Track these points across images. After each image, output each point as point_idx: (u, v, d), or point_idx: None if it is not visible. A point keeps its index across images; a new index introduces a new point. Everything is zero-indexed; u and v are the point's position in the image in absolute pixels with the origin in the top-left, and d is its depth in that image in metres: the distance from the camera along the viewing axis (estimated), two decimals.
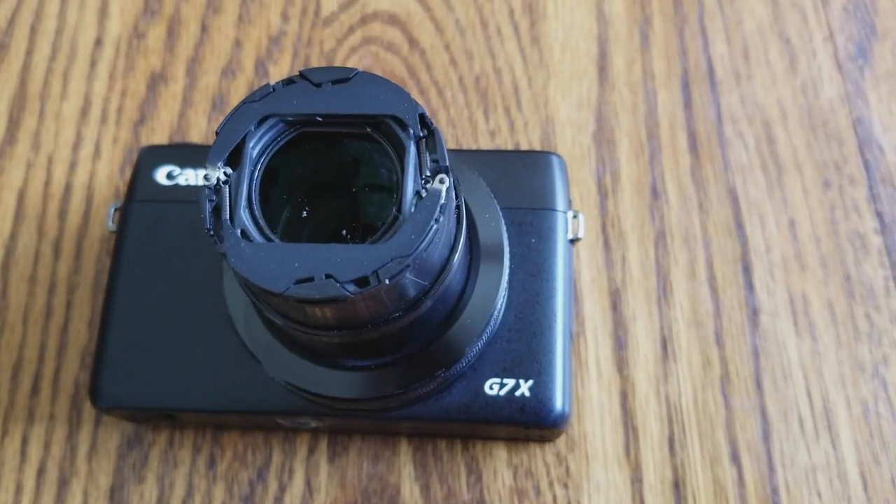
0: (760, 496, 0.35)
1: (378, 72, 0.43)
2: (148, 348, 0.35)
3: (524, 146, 0.41)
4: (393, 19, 0.45)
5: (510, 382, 0.33)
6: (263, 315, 0.30)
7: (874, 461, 0.35)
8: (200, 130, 0.43)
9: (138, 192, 0.37)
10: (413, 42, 0.44)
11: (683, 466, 0.36)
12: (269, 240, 0.25)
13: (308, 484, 0.36)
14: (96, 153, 0.43)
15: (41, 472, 0.37)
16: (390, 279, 0.24)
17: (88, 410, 0.38)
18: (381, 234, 0.25)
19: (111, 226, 0.37)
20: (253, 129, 0.26)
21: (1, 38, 0.45)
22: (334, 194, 0.29)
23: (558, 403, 0.32)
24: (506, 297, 0.33)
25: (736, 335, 0.37)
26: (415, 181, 0.25)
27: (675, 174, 0.41)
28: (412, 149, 0.25)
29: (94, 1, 0.46)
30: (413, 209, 0.25)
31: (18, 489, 0.37)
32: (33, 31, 0.46)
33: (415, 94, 0.43)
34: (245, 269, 0.25)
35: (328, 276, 0.24)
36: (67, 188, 0.42)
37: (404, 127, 0.26)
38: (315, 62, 0.44)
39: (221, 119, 0.43)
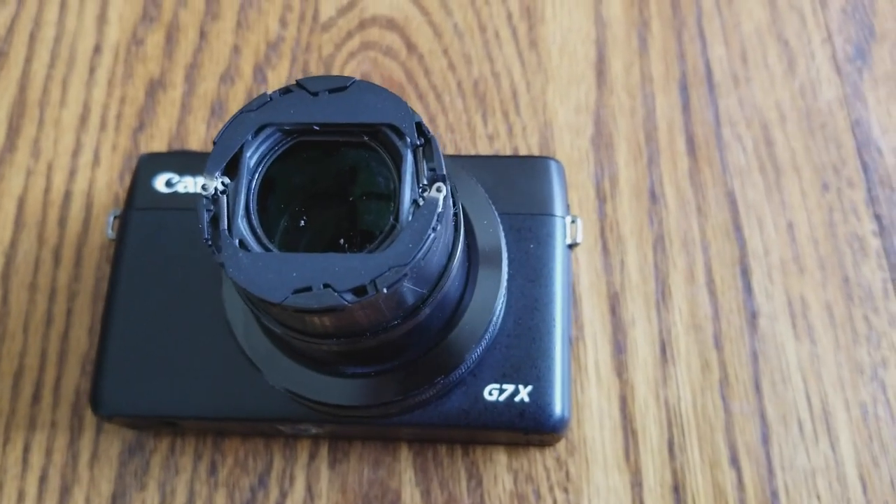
0: (760, 499, 0.35)
1: (376, 77, 0.43)
2: (148, 356, 0.35)
3: (523, 150, 0.41)
4: (391, 24, 0.45)
5: (509, 388, 0.33)
6: (262, 323, 0.30)
7: (873, 464, 0.35)
8: (199, 137, 0.43)
9: (137, 200, 0.37)
10: (411, 47, 0.44)
11: (683, 470, 0.36)
12: (266, 249, 0.25)
13: (309, 490, 0.36)
14: (95, 160, 0.43)
15: (43, 479, 0.37)
16: (388, 288, 0.24)
17: (90, 417, 0.38)
18: (378, 243, 0.25)
19: (111, 234, 0.37)
20: (250, 138, 0.26)
21: (0, 46, 0.46)
22: (332, 203, 0.29)
23: (558, 408, 0.32)
24: (504, 303, 0.33)
25: (735, 338, 0.37)
26: (412, 190, 0.25)
27: (673, 178, 0.41)
28: (409, 157, 0.25)
29: (92, 8, 0.46)
30: (410, 218, 0.25)
31: (21, 496, 0.37)
32: (32, 38, 0.46)
33: (413, 99, 0.43)
34: (243, 279, 0.25)
35: (326, 286, 0.24)
36: (67, 195, 0.42)
37: (401, 135, 0.26)
38: (314, 67, 0.44)
39: (220, 125, 0.43)
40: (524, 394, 0.32)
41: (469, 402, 0.33)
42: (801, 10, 0.44)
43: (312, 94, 0.26)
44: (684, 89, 0.42)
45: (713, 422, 0.36)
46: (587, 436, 0.36)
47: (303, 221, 0.29)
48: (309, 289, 0.24)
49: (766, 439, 0.36)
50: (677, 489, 0.35)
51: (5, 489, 0.37)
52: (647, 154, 0.41)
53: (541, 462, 0.36)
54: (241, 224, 0.25)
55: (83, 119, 0.44)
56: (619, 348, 0.38)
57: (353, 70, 0.44)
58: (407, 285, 0.26)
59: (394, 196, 0.26)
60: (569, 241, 0.35)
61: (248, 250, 0.25)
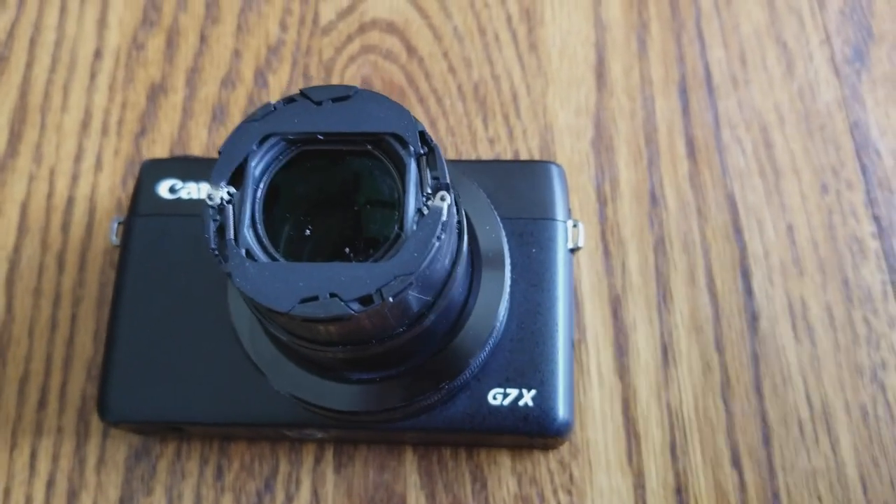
0: (761, 500, 0.35)
1: (377, 80, 0.44)
2: (154, 362, 0.35)
3: (523, 154, 0.42)
4: (391, 27, 0.45)
5: (513, 392, 0.33)
6: (268, 329, 0.30)
7: (873, 464, 0.36)
8: (201, 141, 0.43)
9: (141, 207, 0.37)
10: (411, 50, 0.44)
11: (685, 472, 0.36)
12: (273, 259, 0.26)
13: (315, 494, 0.37)
14: (98, 165, 0.43)
15: (50, 484, 0.37)
16: (394, 297, 0.24)
17: (96, 423, 0.38)
18: (383, 252, 0.25)
19: (114, 240, 0.37)
20: (255, 148, 0.26)
21: (0, 51, 0.46)
22: (336, 210, 0.30)
23: (561, 412, 0.33)
24: (508, 308, 0.33)
25: (735, 340, 0.38)
26: (416, 199, 0.25)
27: (673, 180, 0.41)
28: (412, 166, 0.26)
29: (92, 12, 0.46)
30: (415, 227, 0.25)
31: (28, 501, 0.37)
32: (32, 43, 0.46)
33: (414, 103, 0.43)
34: (250, 289, 0.25)
35: (332, 295, 0.24)
36: (70, 200, 0.42)
37: (405, 144, 0.26)
38: (314, 71, 0.44)
39: (222, 130, 0.43)
40: (528, 398, 0.33)
41: (473, 407, 0.33)
42: (799, 11, 0.44)
43: (316, 103, 0.27)
44: (684, 92, 0.42)
45: (715, 423, 0.36)
46: (590, 438, 0.37)
47: (308, 230, 0.29)
48: (315, 298, 0.24)
49: (767, 441, 0.36)
50: (680, 491, 0.36)
51: (13, 494, 0.37)
52: (647, 157, 0.41)
53: (544, 465, 0.36)
54: (248, 233, 0.26)
55: (85, 124, 0.44)
56: (621, 351, 0.38)
57: (353, 73, 0.44)
58: (412, 293, 0.26)
59: (398, 205, 0.26)
60: (571, 245, 0.35)
61: (255, 260, 0.25)
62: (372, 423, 0.33)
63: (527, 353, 0.33)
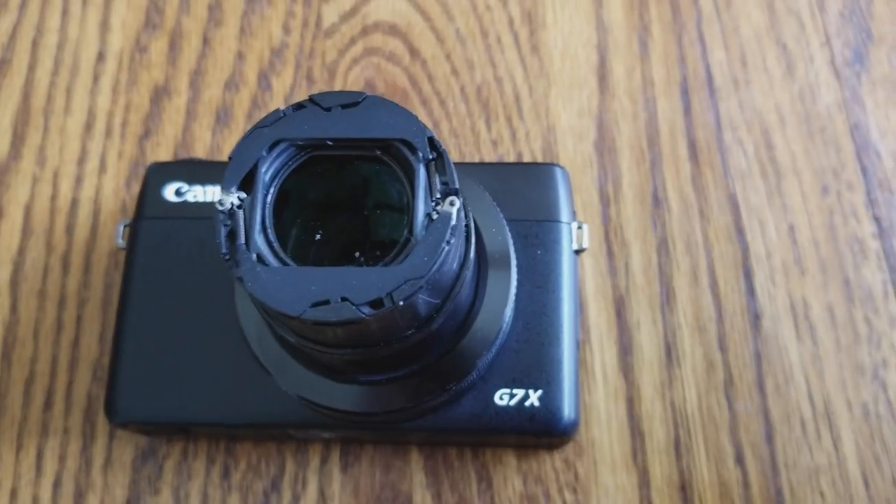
0: (765, 497, 0.36)
1: (380, 82, 0.44)
2: (161, 363, 0.35)
3: (526, 155, 0.42)
4: (394, 30, 0.45)
5: (519, 392, 0.33)
6: (275, 330, 0.31)
7: (875, 462, 0.36)
8: (205, 144, 0.43)
9: (147, 210, 0.37)
10: (414, 52, 0.45)
11: (689, 469, 0.36)
12: (283, 263, 0.26)
13: (321, 493, 0.37)
14: (102, 167, 0.43)
15: (57, 485, 0.38)
16: (404, 300, 0.25)
17: (102, 423, 0.38)
18: (393, 257, 0.25)
19: (121, 243, 0.37)
20: (265, 153, 0.27)
21: (2, 54, 0.46)
22: (345, 215, 0.30)
23: (567, 412, 0.33)
24: (513, 309, 0.33)
25: (738, 340, 0.38)
26: (425, 203, 0.26)
27: (675, 181, 0.41)
28: (422, 172, 0.26)
29: (95, 15, 0.46)
30: (424, 232, 0.25)
31: (35, 502, 0.37)
32: (35, 45, 0.46)
33: (416, 105, 0.43)
34: (261, 293, 0.25)
35: (343, 299, 0.25)
36: (74, 203, 0.42)
37: (413, 150, 0.26)
38: (317, 73, 0.44)
39: (226, 132, 0.43)
40: (534, 398, 0.33)
41: (480, 407, 0.33)
42: (799, 14, 0.44)
43: (325, 109, 0.27)
44: (685, 93, 0.43)
45: (718, 422, 0.37)
46: (595, 437, 0.37)
47: (318, 235, 0.29)
48: (327, 302, 0.25)
49: (770, 438, 0.37)
50: (684, 488, 0.36)
51: (20, 495, 0.38)
52: (649, 158, 0.42)
53: (549, 464, 0.37)
54: (258, 238, 0.26)
55: (88, 126, 0.44)
56: (625, 351, 0.38)
57: (356, 76, 0.44)
58: (422, 297, 0.26)
59: (407, 210, 0.26)
60: (575, 247, 0.35)
61: (266, 264, 0.26)
62: (379, 424, 0.34)
63: (533, 354, 0.33)
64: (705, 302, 0.39)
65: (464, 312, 0.31)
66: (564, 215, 0.35)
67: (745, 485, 0.36)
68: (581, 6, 0.45)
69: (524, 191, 0.35)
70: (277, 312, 0.25)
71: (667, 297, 0.39)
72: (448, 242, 0.25)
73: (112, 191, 0.42)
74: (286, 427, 0.35)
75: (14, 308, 0.41)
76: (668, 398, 0.37)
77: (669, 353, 0.38)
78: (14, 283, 0.41)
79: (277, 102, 0.44)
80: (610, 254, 0.40)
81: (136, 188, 0.42)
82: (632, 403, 0.37)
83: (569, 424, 0.33)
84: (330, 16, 0.46)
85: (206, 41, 0.45)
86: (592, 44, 0.44)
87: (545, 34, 0.45)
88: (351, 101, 0.27)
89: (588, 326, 0.39)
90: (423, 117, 0.42)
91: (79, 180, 0.43)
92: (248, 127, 0.43)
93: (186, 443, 0.38)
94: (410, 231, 0.25)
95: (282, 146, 0.27)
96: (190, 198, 0.37)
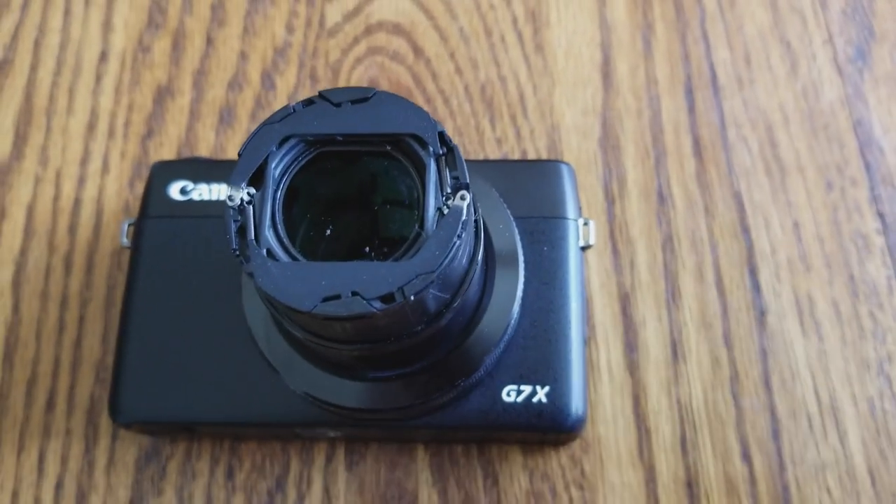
0: (772, 493, 0.36)
1: (384, 81, 0.44)
2: (166, 363, 0.35)
3: (531, 154, 0.42)
4: (397, 29, 0.45)
5: (527, 389, 0.33)
6: (283, 327, 0.31)
7: (881, 457, 0.36)
8: (209, 144, 0.43)
9: (151, 208, 0.37)
10: (418, 51, 0.45)
11: (696, 466, 0.36)
12: (293, 258, 0.26)
13: (327, 492, 0.37)
14: (104, 168, 0.43)
15: (59, 486, 0.37)
16: (415, 295, 0.25)
17: (105, 424, 0.38)
18: (404, 251, 0.25)
19: (125, 241, 0.37)
20: (274, 149, 0.27)
21: (5, 54, 0.45)
22: (354, 210, 0.30)
23: (575, 408, 0.33)
24: (520, 306, 0.33)
25: (744, 336, 0.38)
26: (436, 198, 0.26)
27: (680, 179, 0.41)
28: (432, 166, 0.26)
29: (97, 15, 0.46)
30: (435, 226, 0.25)
31: None
32: (37, 45, 0.46)
33: (421, 103, 0.43)
34: (272, 289, 0.25)
35: (354, 294, 0.25)
36: (77, 203, 0.42)
37: (424, 145, 0.26)
38: (321, 73, 0.44)
39: (230, 132, 0.43)
40: (542, 394, 0.33)
41: (487, 404, 0.33)
42: (801, 12, 0.44)
43: (335, 105, 0.27)
44: (689, 91, 0.43)
45: (724, 418, 0.37)
46: (601, 434, 0.37)
47: (329, 230, 0.29)
48: (338, 297, 0.25)
49: (776, 434, 0.37)
50: (691, 485, 0.36)
51: (21, 497, 0.37)
52: (654, 156, 0.42)
53: (556, 460, 0.37)
54: (268, 234, 0.26)
55: (91, 126, 0.44)
56: (631, 348, 0.38)
57: (360, 75, 0.44)
58: (432, 292, 0.26)
59: (417, 204, 0.26)
60: (582, 244, 0.35)
61: (276, 259, 0.26)
62: (386, 421, 0.34)
63: (540, 350, 0.33)
64: (711, 298, 0.39)
65: (472, 309, 0.31)
66: (571, 212, 0.35)
67: (752, 481, 0.36)
68: (585, 5, 0.45)
69: (530, 188, 0.35)
70: (287, 307, 0.25)
71: (672, 294, 0.39)
72: (459, 237, 0.25)
73: (115, 191, 0.42)
74: (293, 426, 0.35)
75: (16, 309, 0.40)
76: (675, 395, 0.37)
77: (675, 349, 0.38)
78: (16, 284, 0.41)
79: (281, 102, 0.44)
80: (615, 251, 0.40)
81: (139, 188, 0.42)
82: (638, 400, 0.37)
83: (577, 421, 0.33)
84: (333, 15, 0.46)
85: (209, 41, 0.45)
86: (596, 42, 0.44)
87: (549, 33, 0.45)
88: (360, 97, 0.27)
89: (594, 324, 0.39)
90: None
91: (81, 180, 0.43)
92: (252, 127, 0.43)
93: (190, 443, 0.38)
94: (421, 226, 0.25)
95: (292, 142, 0.27)
96: (195, 196, 0.37)
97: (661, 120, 0.42)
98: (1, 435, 0.38)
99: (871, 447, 0.36)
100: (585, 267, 0.39)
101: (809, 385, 0.37)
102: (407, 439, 0.37)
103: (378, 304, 0.25)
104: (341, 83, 0.44)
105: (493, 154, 0.42)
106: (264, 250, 0.26)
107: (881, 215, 0.40)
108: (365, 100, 0.27)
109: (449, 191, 0.26)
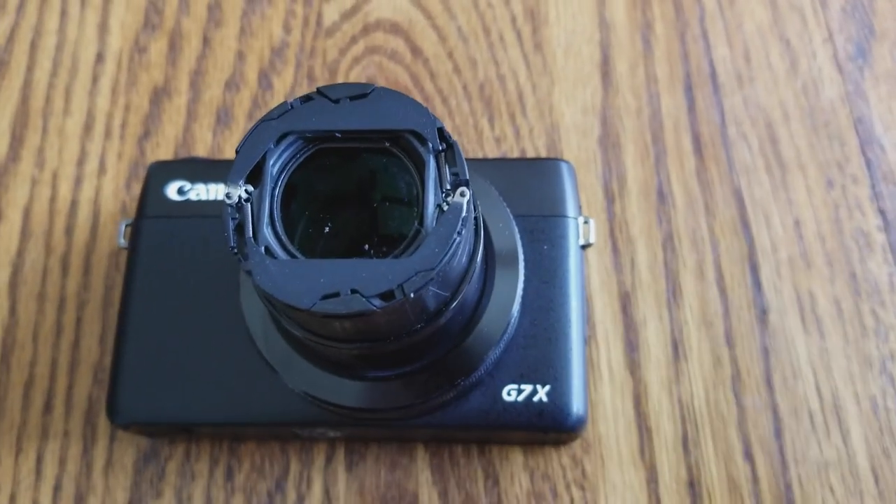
0: (774, 492, 0.36)
1: (382, 81, 0.44)
2: (164, 363, 0.35)
3: (530, 152, 0.42)
4: (395, 28, 0.45)
5: (528, 388, 0.33)
6: (282, 326, 0.30)
7: (884, 455, 0.36)
8: (206, 144, 0.43)
9: (149, 209, 0.37)
10: (416, 50, 0.44)
11: (698, 465, 0.36)
12: (292, 256, 0.26)
13: (326, 493, 0.37)
14: (101, 168, 0.43)
15: (57, 488, 0.37)
16: (415, 293, 0.24)
17: (103, 426, 0.38)
18: (403, 248, 0.25)
19: (122, 242, 0.37)
20: (273, 146, 0.26)
21: (0, 55, 0.45)
22: (353, 207, 0.30)
23: (576, 407, 0.33)
24: (520, 304, 0.33)
25: (745, 334, 0.38)
26: (435, 195, 0.25)
27: (680, 177, 0.41)
28: (432, 163, 0.26)
29: (93, 16, 0.46)
30: (435, 223, 0.25)
31: None
32: (33, 47, 0.46)
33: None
34: (271, 287, 0.25)
35: (354, 291, 0.24)
36: (73, 204, 0.42)
37: (423, 141, 0.26)
38: (318, 73, 0.44)
39: (227, 132, 0.43)
40: (542, 394, 0.33)
41: (488, 403, 0.33)
42: (801, 10, 0.44)
43: (333, 101, 0.27)
44: (689, 89, 0.43)
45: (726, 417, 0.37)
46: (602, 434, 0.37)
47: (328, 227, 0.29)
48: (337, 294, 0.24)
49: (778, 433, 0.36)
50: (693, 484, 0.36)
51: (19, 499, 0.37)
52: (654, 154, 0.42)
53: (557, 460, 0.36)
54: (266, 231, 0.26)
55: (87, 127, 0.44)
56: (632, 347, 0.38)
57: (358, 74, 0.44)
58: (432, 289, 0.26)
59: (417, 201, 0.26)
60: (582, 242, 0.35)
61: (275, 257, 0.25)
62: (386, 421, 0.33)
63: (540, 350, 0.33)
64: (712, 297, 0.39)
65: (472, 307, 0.31)
66: (571, 210, 0.35)
67: (754, 480, 0.36)
68: (584, 3, 0.45)
69: (530, 186, 0.35)
70: (286, 305, 0.25)
71: (673, 293, 0.39)
72: (459, 234, 0.25)
73: (112, 192, 0.42)
74: (292, 426, 0.35)
75: (13, 310, 0.40)
76: (676, 394, 0.37)
77: (676, 348, 0.38)
78: (13, 286, 0.41)
79: (278, 102, 0.43)
80: (615, 250, 0.40)
81: (136, 189, 0.42)
82: (639, 400, 0.37)
83: (578, 419, 0.33)
84: (331, 14, 0.46)
85: (205, 41, 0.45)
86: (595, 41, 0.44)
87: (548, 31, 0.45)
88: (359, 93, 0.27)
89: (594, 323, 0.38)
90: None
91: (78, 182, 0.42)
92: (250, 127, 0.42)
93: (189, 444, 0.37)
94: (421, 223, 0.25)
95: (290, 139, 0.27)
96: (192, 196, 0.37)
97: (660, 118, 0.42)
98: None
99: (873, 445, 0.36)
100: (585, 266, 0.39)
101: (811, 383, 0.37)
102: (407, 439, 0.37)
103: (378, 302, 0.24)
104: (339, 82, 0.44)
105: (492, 153, 0.42)
106: (262, 248, 0.25)
107: (882, 212, 0.40)
108: (363, 96, 0.27)
109: (448, 187, 0.25)
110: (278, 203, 0.26)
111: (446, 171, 0.26)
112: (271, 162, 0.26)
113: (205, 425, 0.35)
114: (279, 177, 0.27)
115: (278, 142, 0.26)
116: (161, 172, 0.37)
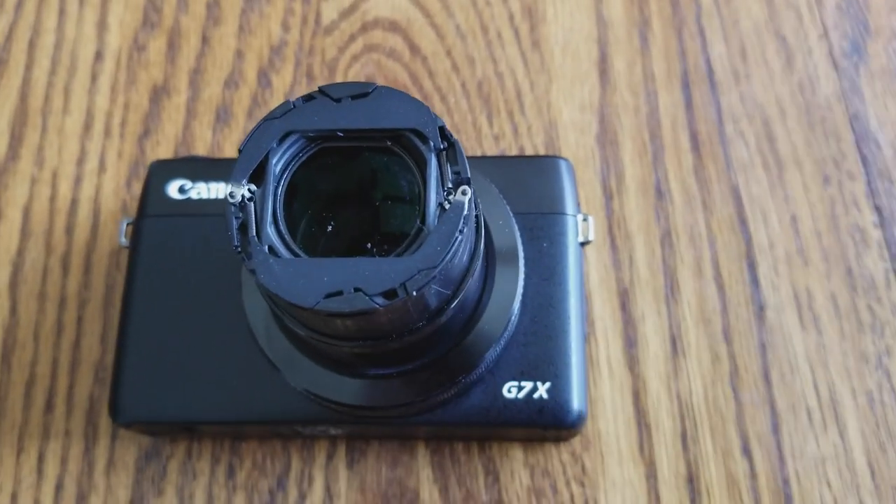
0: (772, 487, 0.36)
1: (380, 79, 0.44)
2: (166, 362, 0.35)
3: (528, 150, 0.42)
4: (394, 26, 0.45)
5: (528, 385, 0.33)
6: (284, 325, 0.31)
7: (881, 450, 0.36)
8: (206, 142, 0.43)
9: (150, 207, 0.37)
10: (414, 49, 0.45)
11: (697, 461, 0.36)
12: (295, 255, 0.26)
13: (328, 490, 0.37)
14: (101, 167, 0.43)
15: (59, 488, 0.37)
16: (417, 291, 0.25)
17: (105, 425, 0.38)
18: (406, 247, 0.25)
19: (124, 241, 0.37)
20: (275, 145, 0.26)
21: None
22: (354, 206, 0.30)
23: (576, 404, 0.33)
24: (521, 302, 0.33)
25: (743, 331, 0.38)
26: (437, 193, 0.26)
27: (678, 174, 0.41)
28: (433, 161, 0.26)
29: (92, 14, 0.46)
30: (437, 221, 0.25)
31: None
32: (32, 45, 0.46)
33: None
34: (274, 285, 0.25)
35: (357, 290, 0.25)
36: (74, 203, 0.42)
37: (425, 140, 0.26)
38: (317, 71, 0.44)
39: (226, 131, 0.43)
40: (542, 391, 0.33)
41: (489, 401, 0.33)
42: (797, 6, 0.44)
43: (335, 100, 0.27)
44: (686, 87, 0.43)
45: (724, 413, 0.37)
46: (601, 430, 0.37)
47: (330, 226, 0.29)
48: (340, 293, 0.25)
49: (776, 428, 0.37)
50: (691, 480, 0.36)
51: (21, 499, 0.37)
52: (651, 151, 0.42)
53: (556, 457, 0.37)
54: (270, 230, 0.26)
55: (87, 126, 0.44)
56: (631, 343, 0.38)
57: (357, 72, 0.44)
58: (434, 287, 0.26)
59: (418, 200, 0.26)
60: (581, 239, 0.35)
61: (278, 256, 0.25)
62: (387, 418, 0.34)
63: (540, 347, 0.33)
64: (709, 293, 0.39)
65: (472, 305, 0.31)
66: (570, 207, 0.35)
67: (753, 475, 0.36)
68: (581, 1, 0.45)
69: (529, 184, 0.35)
70: (290, 304, 0.25)
71: (671, 290, 0.39)
72: (461, 232, 0.25)
73: (112, 191, 0.42)
74: (294, 423, 0.35)
75: (14, 310, 0.40)
76: (674, 390, 0.37)
77: (675, 345, 0.38)
78: (13, 285, 0.41)
79: (278, 100, 0.44)
80: (614, 247, 0.40)
81: (136, 188, 0.42)
82: (638, 396, 0.37)
83: (578, 416, 0.33)
84: (329, 13, 0.46)
85: (205, 39, 0.45)
86: (593, 38, 0.44)
87: (546, 29, 0.45)
88: (361, 92, 0.27)
89: (593, 319, 0.39)
90: None
91: (78, 180, 0.43)
92: (249, 125, 0.43)
93: (190, 442, 0.38)
94: (423, 221, 0.25)
95: (292, 138, 0.27)
96: (193, 195, 0.37)
97: (658, 115, 0.42)
98: (0, 437, 0.38)
99: (870, 440, 0.36)
100: (584, 263, 0.39)
101: (809, 379, 0.37)
102: (408, 436, 0.37)
103: (380, 300, 0.25)
104: (338, 81, 0.44)
105: (491, 151, 0.42)
106: (266, 247, 0.25)
107: (878, 209, 0.40)
108: (365, 95, 0.27)
109: (450, 186, 0.26)
110: (281, 202, 0.26)
111: (448, 169, 0.26)
112: (274, 161, 0.26)
113: (207, 424, 0.35)
114: (282, 176, 0.27)
115: (281, 141, 0.27)
116: (162, 171, 0.38)
